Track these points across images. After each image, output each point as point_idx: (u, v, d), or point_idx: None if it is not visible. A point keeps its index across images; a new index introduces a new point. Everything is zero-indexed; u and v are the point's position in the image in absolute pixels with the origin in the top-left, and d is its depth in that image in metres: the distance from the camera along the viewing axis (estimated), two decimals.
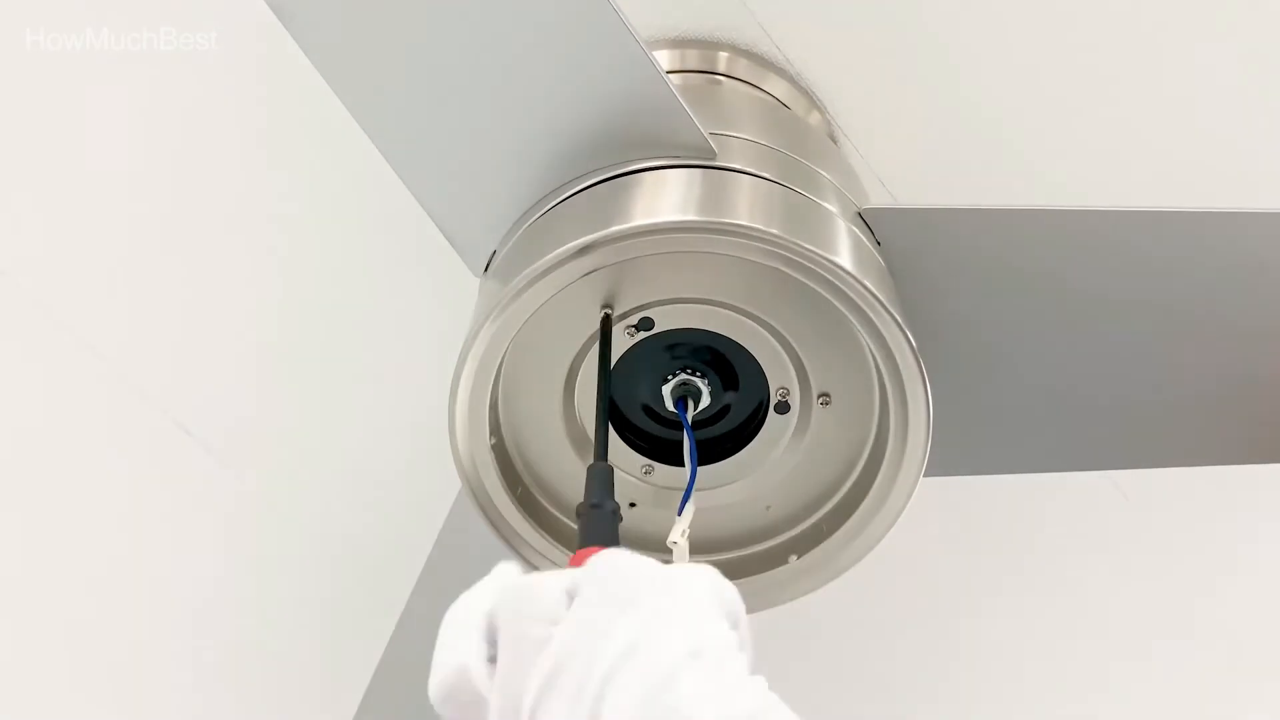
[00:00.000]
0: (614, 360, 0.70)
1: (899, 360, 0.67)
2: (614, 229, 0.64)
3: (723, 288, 0.69)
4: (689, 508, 0.68)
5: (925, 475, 0.71)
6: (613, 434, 0.74)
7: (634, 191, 0.68)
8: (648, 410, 0.75)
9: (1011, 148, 0.92)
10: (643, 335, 0.71)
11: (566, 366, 0.72)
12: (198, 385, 1.01)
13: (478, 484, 0.72)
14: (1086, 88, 0.90)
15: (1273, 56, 0.88)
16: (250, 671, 1.15)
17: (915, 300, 0.72)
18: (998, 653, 1.21)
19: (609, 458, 0.62)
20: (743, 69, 0.90)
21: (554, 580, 0.47)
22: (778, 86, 0.90)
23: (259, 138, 0.94)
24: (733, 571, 0.76)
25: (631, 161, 0.69)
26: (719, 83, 0.90)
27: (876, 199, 0.84)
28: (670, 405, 0.72)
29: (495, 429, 0.72)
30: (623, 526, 0.58)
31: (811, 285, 0.66)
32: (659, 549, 0.72)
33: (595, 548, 0.52)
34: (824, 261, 0.64)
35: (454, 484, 0.76)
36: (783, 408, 0.73)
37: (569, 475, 0.75)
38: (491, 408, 0.71)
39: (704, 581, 0.47)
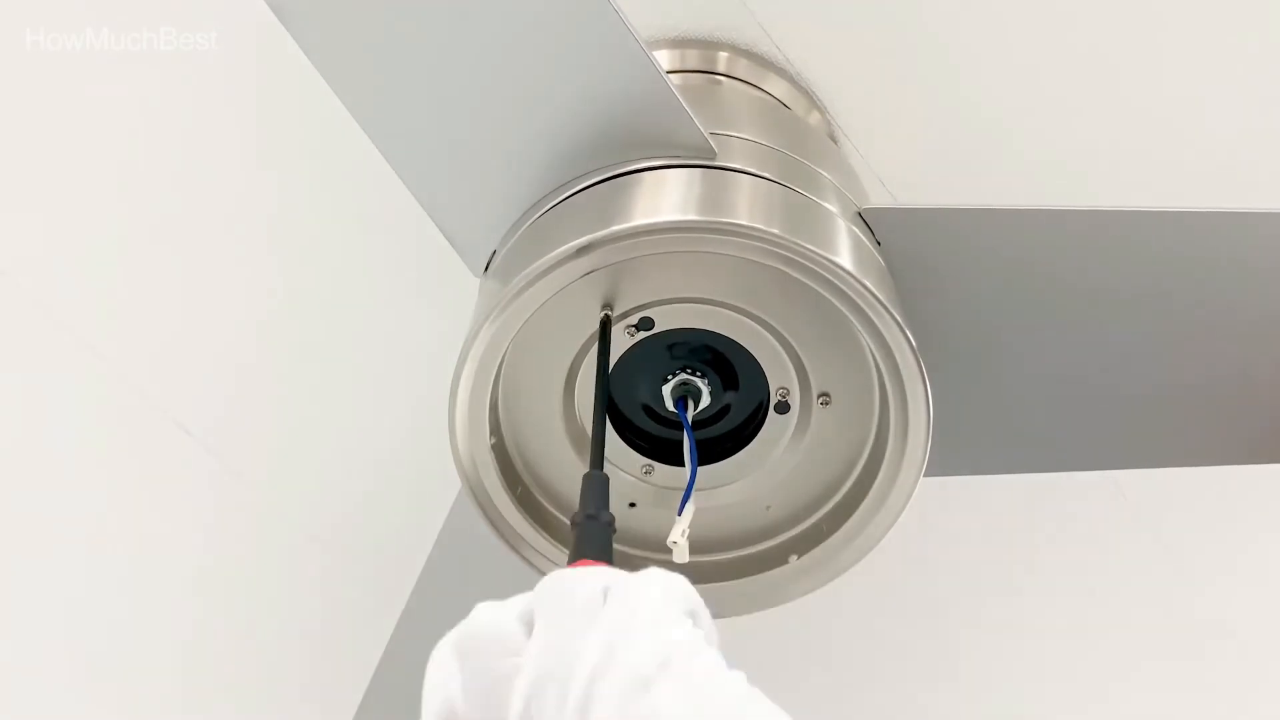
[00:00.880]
0: (614, 360, 0.70)
1: (899, 360, 0.67)
2: (614, 229, 0.64)
3: (723, 287, 0.69)
4: (689, 508, 0.68)
5: (925, 475, 0.71)
6: (613, 434, 0.74)
7: (634, 191, 0.68)
8: (648, 410, 0.75)
9: (1011, 148, 0.92)
10: (643, 335, 0.71)
11: (566, 366, 0.72)
12: (198, 385, 1.01)
13: (478, 484, 0.72)
14: (1086, 88, 0.90)
15: (1273, 57, 0.88)
16: (250, 671, 1.15)
17: (915, 300, 0.72)
18: (998, 652, 1.21)
19: (608, 459, 0.62)
20: (743, 69, 0.90)
21: (505, 612, 0.47)
22: (778, 86, 0.90)
23: (259, 138, 0.94)
24: (733, 571, 0.76)
25: (631, 161, 0.69)
26: (719, 83, 0.90)
27: (876, 199, 0.84)
28: (670, 405, 0.72)
29: (495, 429, 0.72)
30: (623, 526, 0.58)
31: (812, 285, 0.66)
32: (659, 549, 0.72)
33: (588, 560, 0.51)
34: (824, 261, 0.64)
35: (454, 484, 0.76)
36: (783, 408, 0.73)
37: (569, 475, 0.75)
38: (491, 408, 0.71)
39: (657, 585, 0.47)
